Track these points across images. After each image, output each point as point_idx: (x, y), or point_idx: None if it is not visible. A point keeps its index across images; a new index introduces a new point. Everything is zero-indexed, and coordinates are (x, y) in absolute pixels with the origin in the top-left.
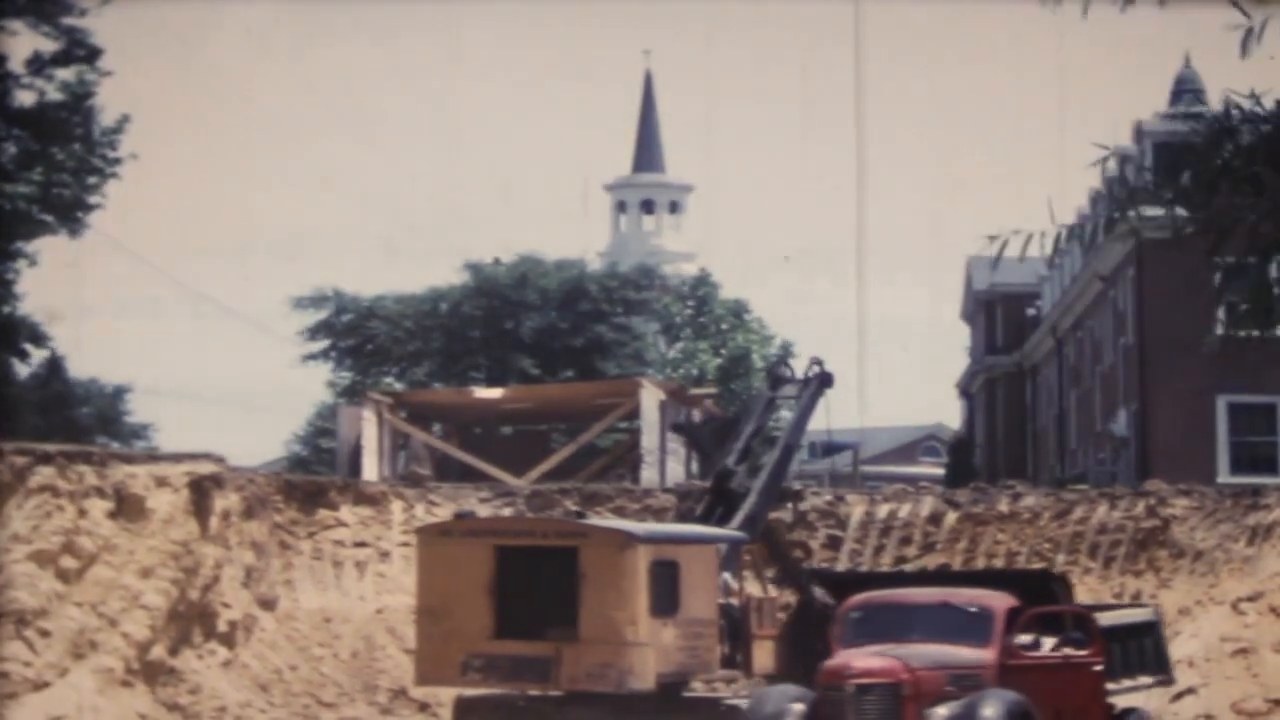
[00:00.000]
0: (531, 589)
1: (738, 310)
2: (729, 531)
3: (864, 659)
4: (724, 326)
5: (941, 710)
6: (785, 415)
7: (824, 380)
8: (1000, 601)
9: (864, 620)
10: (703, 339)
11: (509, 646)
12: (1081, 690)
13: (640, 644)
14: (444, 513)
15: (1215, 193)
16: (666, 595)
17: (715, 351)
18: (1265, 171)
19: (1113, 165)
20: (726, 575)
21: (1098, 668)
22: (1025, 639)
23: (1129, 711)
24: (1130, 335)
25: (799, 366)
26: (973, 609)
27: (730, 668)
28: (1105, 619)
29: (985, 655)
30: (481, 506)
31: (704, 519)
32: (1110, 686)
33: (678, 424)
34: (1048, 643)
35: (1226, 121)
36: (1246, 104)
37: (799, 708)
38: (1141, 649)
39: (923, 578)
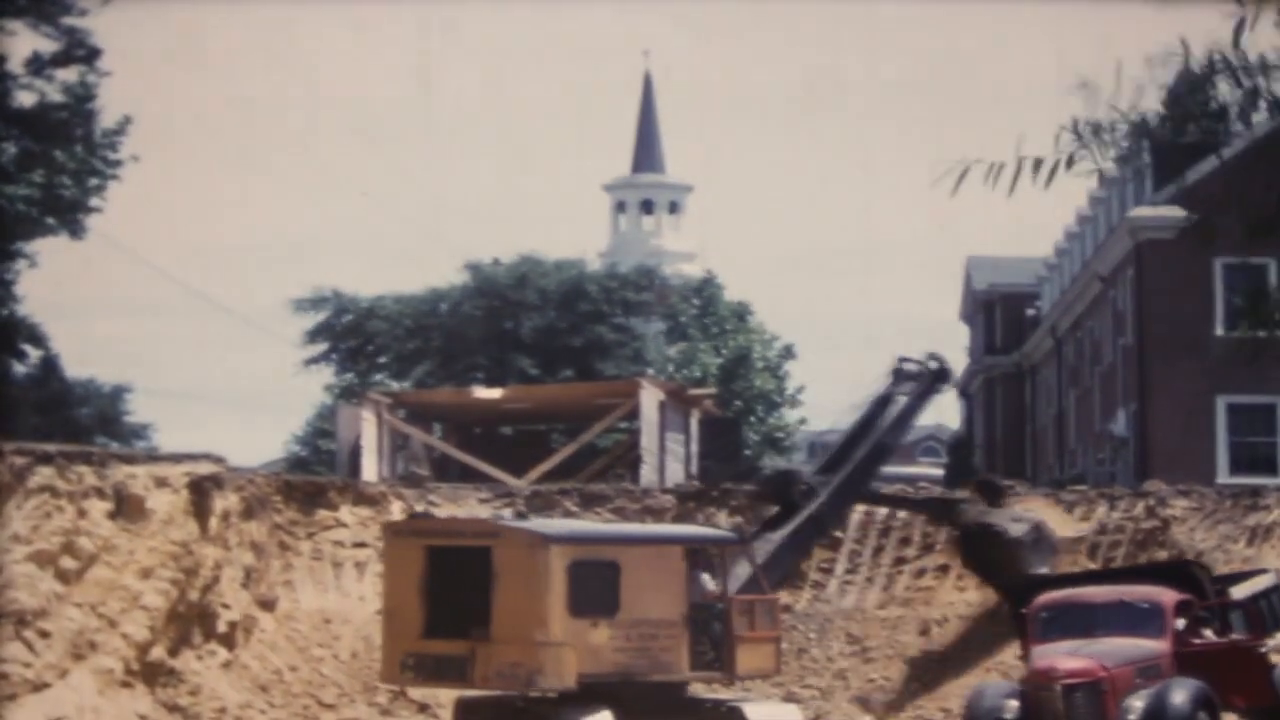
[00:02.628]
0: (456, 589)
1: (741, 312)
2: (714, 532)
3: (1068, 661)
4: (728, 328)
5: (1137, 702)
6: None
7: (939, 376)
8: (1168, 596)
9: (1052, 619)
10: (706, 339)
11: (435, 645)
12: (1247, 669)
13: (553, 643)
14: (442, 513)
15: (1184, 125)
16: (597, 595)
17: (716, 351)
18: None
19: (1114, 167)
20: (706, 575)
21: (1262, 650)
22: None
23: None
24: (1129, 335)
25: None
26: (1145, 605)
27: (710, 669)
28: (1240, 590)
29: (1161, 646)
30: (481, 507)
31: (770, 525)
32: None
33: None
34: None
35: (1209, 70)
36: (1233, 58)
37: (1014, 704)
38: (1273, 609)
39: (1091, 576)
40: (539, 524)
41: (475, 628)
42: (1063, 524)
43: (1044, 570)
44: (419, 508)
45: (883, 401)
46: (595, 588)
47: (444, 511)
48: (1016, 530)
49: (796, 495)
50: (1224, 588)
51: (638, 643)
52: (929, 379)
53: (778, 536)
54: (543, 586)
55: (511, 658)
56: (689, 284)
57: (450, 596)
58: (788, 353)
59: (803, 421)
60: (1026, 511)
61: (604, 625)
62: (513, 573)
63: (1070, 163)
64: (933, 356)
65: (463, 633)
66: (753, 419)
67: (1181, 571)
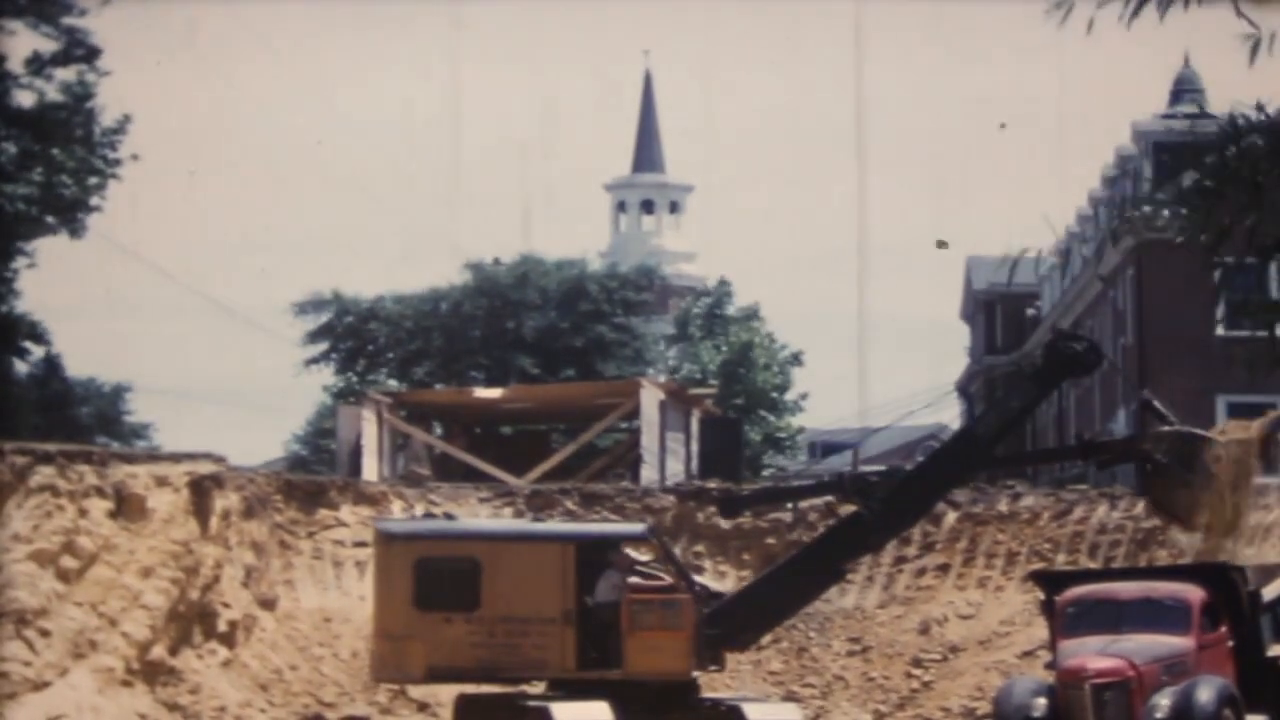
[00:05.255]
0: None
1: (749, 316)
2: (619, 527)
3: (1097, 660)
4: (732, 328)
5: (1164, 700)
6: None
7: (1065, 362)
8: (1194, 593)
9: (1080, 614)
10: (710, 338)
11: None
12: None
13: (396, 637)
14: (441, 512)
15: (1219, 197)
16: (452, 591)
17: (717, 349)
18: (1268, 179)
19: (1113, 169)
20: (612, 571)
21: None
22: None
23: None
24: (1129, 335)
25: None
26: (1171, 601)
27: (603, 666)
28: (1269, 591)
29: (1188, 643)
30: (482, 507)
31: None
32: None
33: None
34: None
35: (1232, 129)
36: (1252, 114)
37: (1043, 701)
38: None
39: (1122, 573)
40: (392, 522)
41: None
42: (1235, 428)
43: (1199, 493)
44: (419, 507)
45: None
46: (448, 583)
47: (441, 511)
48: (1157, 454)
49: (854, 495)
50: (1257, 588)
51: (503, 639)
52: (1048, 362)
53: (819, 536)
54: (386, 581)
55: (375, 650)
56: (702, 288)
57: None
58: (795, 359)
59: (801, 430)
60: (1173, 428)
61: (460, 620)
62: (377, 570)
63: (1116, 239)
64: (1064, 336)
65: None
66: (753, 417)
67: (1219, 574)
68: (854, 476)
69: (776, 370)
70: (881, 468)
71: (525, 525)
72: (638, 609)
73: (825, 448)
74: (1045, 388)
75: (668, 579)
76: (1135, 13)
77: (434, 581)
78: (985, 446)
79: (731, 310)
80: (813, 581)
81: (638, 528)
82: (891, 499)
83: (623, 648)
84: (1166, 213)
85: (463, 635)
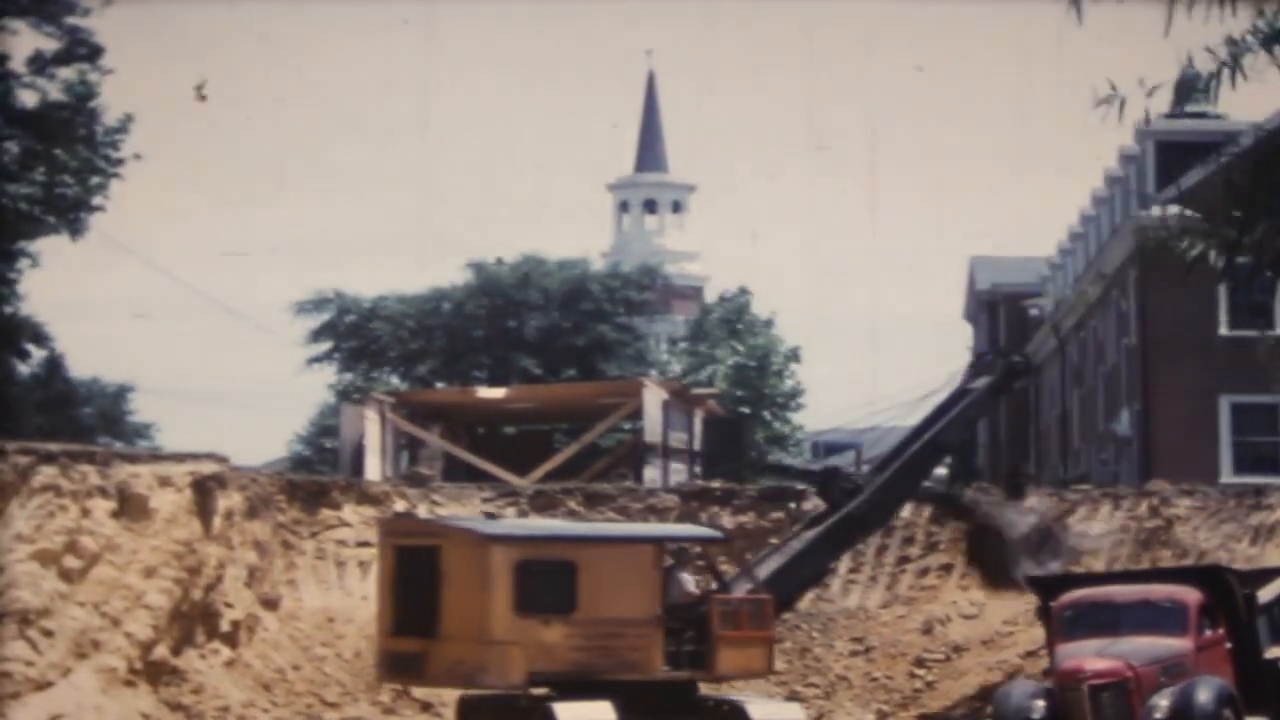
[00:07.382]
0: (417, 587)
1: (766, 324)
2: (696, 530)
3: (1095, 661)
4: (755, 331)
5: (1163, 701)
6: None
7: (1012, 372)
8: (1191, 595)
9: (1077, 617)
10: (727, 336)
11: (399, 643)
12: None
13: (497, 641)
14: (445, 513)
15: (1232, 205)
16: (548, 594)
17: (734, 351)
18: None
19: (1117, 166)
20: (684, 574)
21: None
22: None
23: None
24: (1133, 335)
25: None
26: (1168, 604)
27: (690, 668)
28: (1265, 593)
29: (1185, 644)
30: (485, 506)
31: (816, 521)
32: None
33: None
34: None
35: (1260, 154)
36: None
37: (1041, 704)
38: None
39: (1118, 576)
40: (487, 524)
41: (429, 626)
42: (1106, 518)
43: (1037, 573)
44: (422, 507)
45: (957, 397)
46: (546, 586)
47: (447, 511)
48: (1021, 527)
49: (838, 493)
50: (1253, 590)
51: (600, 641)
52: (1001, 375)
53: (810, 535)
54: (485, 585)
55: (458, 655)
56: (725, 294)
57: (412, 595)
58: (794, 355)
59: (799, 428)
60: (1039, 508)
61: (558, 624)
62: (458, 572)
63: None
64: (1007, 351)
65: (420, 631)
66: (760, 419)
67: (1212, 575)
68: (842, 476)
69: (789, 376)
70: (861, 470)
71: (615, 527)
72: (727, 611)
73: (828, 447)
74: (999, 399)
75: (712, 581)
76: None
77: (532, 584)
78: (951, 453)
79: (748, 317)
80: (810, 581)
81: (715, 531)
82: (880, 501)
83: (712, 650)
84: (1178, 209)
85: (561, 639)
